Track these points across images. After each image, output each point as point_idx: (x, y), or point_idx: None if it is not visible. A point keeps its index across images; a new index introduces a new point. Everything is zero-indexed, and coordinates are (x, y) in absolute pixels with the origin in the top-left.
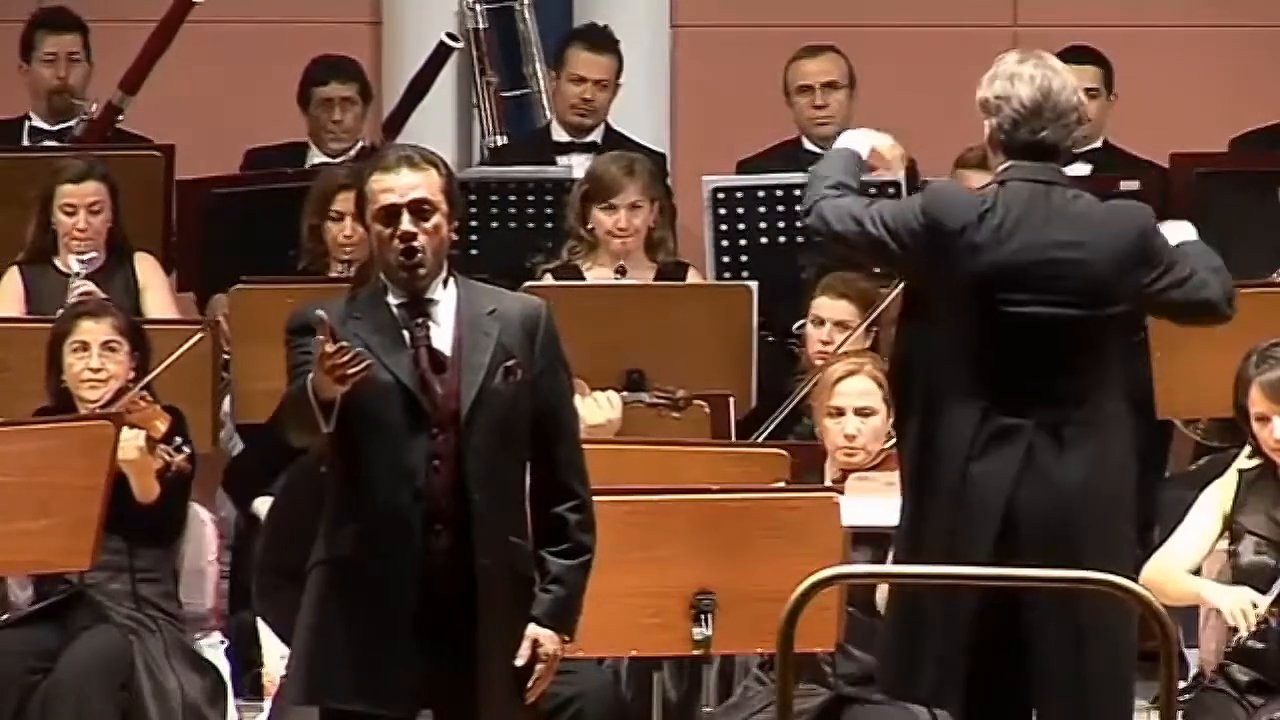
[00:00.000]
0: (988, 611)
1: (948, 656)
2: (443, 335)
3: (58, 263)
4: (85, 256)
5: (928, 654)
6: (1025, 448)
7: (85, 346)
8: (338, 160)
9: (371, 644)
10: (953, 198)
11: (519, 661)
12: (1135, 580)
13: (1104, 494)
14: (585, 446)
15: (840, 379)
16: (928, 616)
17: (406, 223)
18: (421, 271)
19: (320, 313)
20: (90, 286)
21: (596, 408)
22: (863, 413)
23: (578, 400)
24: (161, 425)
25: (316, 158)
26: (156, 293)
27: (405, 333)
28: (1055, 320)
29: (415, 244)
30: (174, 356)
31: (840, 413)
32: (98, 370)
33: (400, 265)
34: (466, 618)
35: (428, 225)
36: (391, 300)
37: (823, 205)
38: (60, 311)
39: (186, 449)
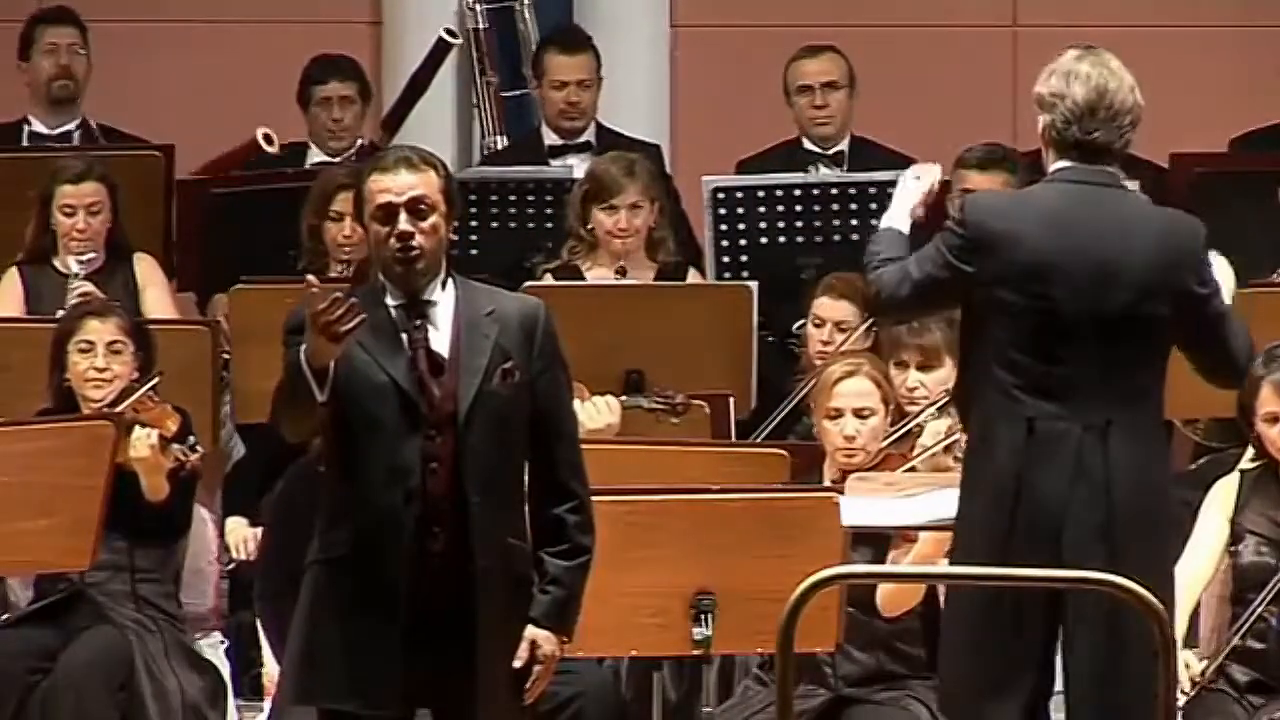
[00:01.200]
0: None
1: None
2: (441, 337)
3: (57, 263)
4: (84, 257)
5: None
6: (1074, 454)
7: (91, 346)
8: (338, 160)
9: (362, 645)
10: (993, 200)
11: (517, 663)
12: (1173, 584)
13: (1148, 498)
14: (585, 447)
15: (839, 380)
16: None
17: (404, 221)
18: (419, 267)
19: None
20: (89, 287)
21: (595, 412)
22: (861, 413)
23: (576, 405)
24: (173, 425)
25: (317, 157)
26: (156, 291)
27: (403, 335)
28: (1099, 317)
29: (412, 242)
30: (142, 389)
31: (839, 414)
32: (103, 370)
33: (397, 261)
34: (465, 619)
35: (425, 225)
36: (390, 301)
37: (880, 277)
38: (60, 312)
39: (200, 449)
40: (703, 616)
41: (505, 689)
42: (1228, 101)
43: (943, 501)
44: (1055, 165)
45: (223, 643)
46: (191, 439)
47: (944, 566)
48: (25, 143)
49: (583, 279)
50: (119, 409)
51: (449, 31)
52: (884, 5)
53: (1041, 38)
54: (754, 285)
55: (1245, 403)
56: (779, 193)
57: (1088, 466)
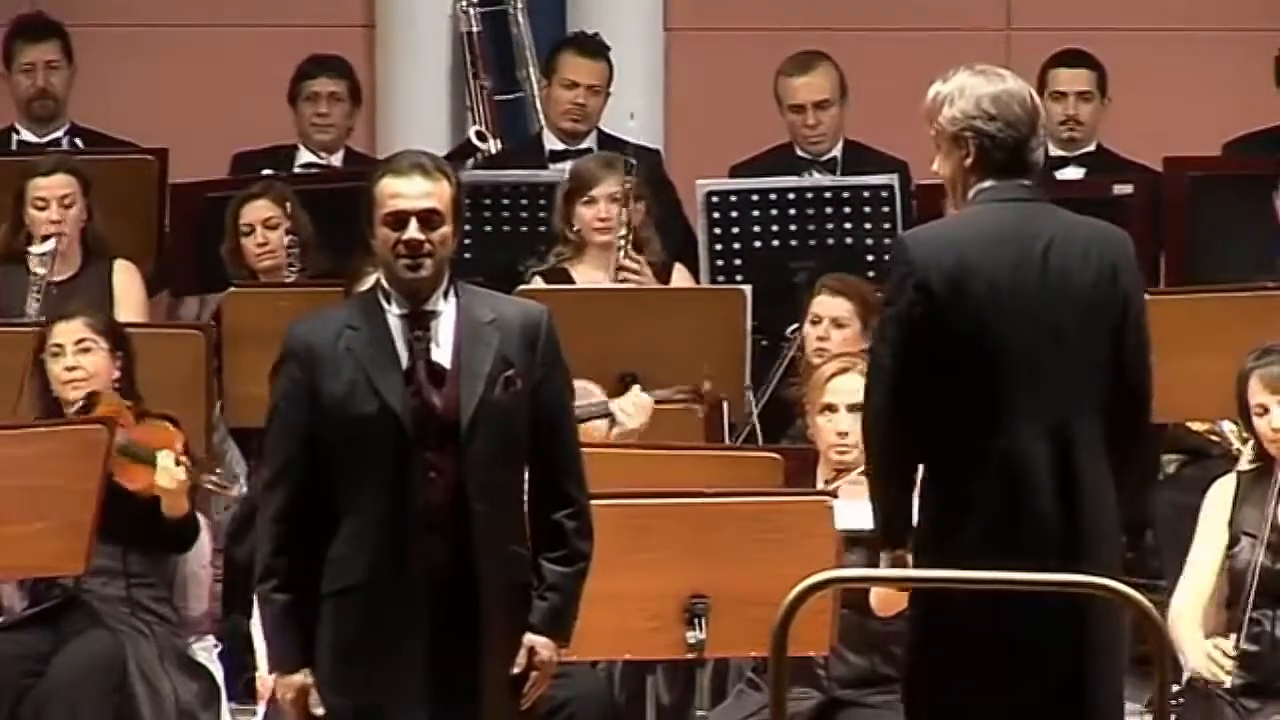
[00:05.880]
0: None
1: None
2: (443, 347)
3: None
4: (44, 248)
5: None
6: (1048, 471)
7: (60, 349)
8: (326, 159)
9: (384, 672)
10: (932, 232)
11: (515, 669)
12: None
13: (1108, 510)
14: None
15: (832, 376)
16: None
17: (414, 229)
18: (424, 274)
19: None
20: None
21: (633, 410)
22: (856, 409)
23: (613, 406)
24: (179, 442)
25: (305, 157)
26: (129, 303)
27: (404, 346)
28: (1052, 333)
29: (422, 251)
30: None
31: (833, 410)
32: (73, 369)
33: (405, 267)
34: (467, 624)
35: (434, 235)
36: (395, 310)
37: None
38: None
39: (230, 481)
40: (696, 620)
41: (506, 694)
42: (1221, 105)
43: None
44: (980, 186)
45: (216, 647)
46: (220, 472)
47: (933, 571)
48: (14, 149)
49: (571, 281)
50: (121, 442)
51: (479, 135)
52: (877, 9)
53: (1035, 41)
54: (747, 289)
55: (1241, 400)
56: (772, 196)
57: (1059, 483)
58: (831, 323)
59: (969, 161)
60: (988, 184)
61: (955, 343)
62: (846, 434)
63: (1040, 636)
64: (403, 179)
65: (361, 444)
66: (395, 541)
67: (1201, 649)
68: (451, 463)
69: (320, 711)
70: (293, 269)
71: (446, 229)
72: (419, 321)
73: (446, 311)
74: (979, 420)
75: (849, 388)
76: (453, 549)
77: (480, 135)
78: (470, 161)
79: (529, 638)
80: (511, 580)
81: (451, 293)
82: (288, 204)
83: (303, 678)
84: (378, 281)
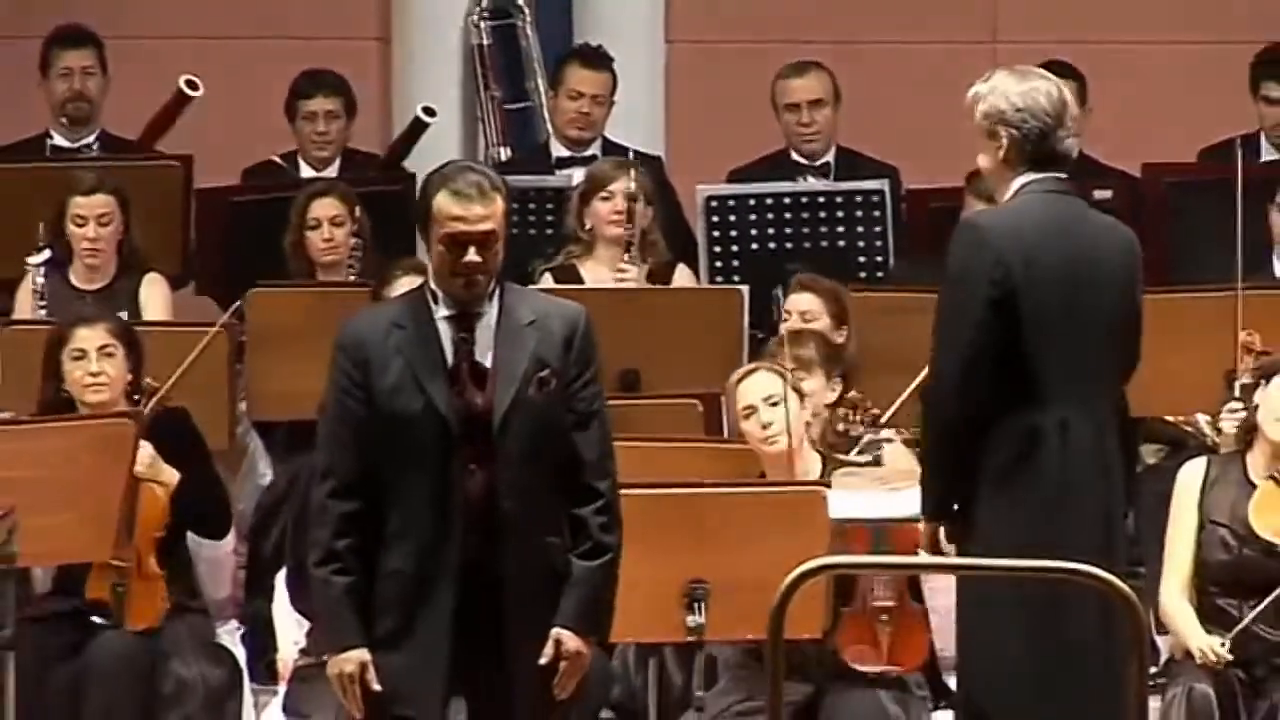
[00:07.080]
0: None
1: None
2: (484, 346)
3: (70, 274)
4: (38, 259)
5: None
6: (1092, 451)
7: (83, 353)
8: (323, 172)
9: (417, 653)
10: (997, 217)
11: (542, 661)
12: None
13: (1121, 496)
14: None
15: (740, 381)
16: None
17: (473, 253)
18: (479, 292)
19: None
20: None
21: None
22: (771, 401)
23: None
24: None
25: (305, 171)
26: (154, 315)
27: (450, 346)
28: (1098, 319)
29: (479, 274)
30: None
31: (751, 410)
32: (97, 374)
33: (461, 287)
34: (499, 615)
35: (489, 253)
36: (441, 311)
37: (931, 389)
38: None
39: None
40: (696, 604)
41: (538, 684)
42: (1197, 114)
43: None
44: (1022, 179)
45: (239, 630)
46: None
47: (919, 558)
48: (48, 155)
49: (581, 279)
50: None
51: (426, 110)
52: (870, 22)
53: (1020, 53)
54: (745, 289)
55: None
56: (769, 200)
57: (1102, 464)
58: (800, 316)
59: (1001, 154)
60: (1030, 176)
61: (1022, 325)
62: (770, 424)
63: (1079, 623)
64: (461, 202)
65: (407, 440)
66: (437, 534)
67: (1202, 639)
68: (488, 459)
69: (379, 687)
70: (353, 269)
71: (500, 244)
72: (465, 323)
73: (489, 312)
74: (1033, 401)
75: (759, 384)
76: (489, 543)
77: (428, 111)
78: None
79: (555, 631)
80: (545, 570)
81: (496, 293)
82: (356, 208)
83: (362, 654)
84: (425, 282)
